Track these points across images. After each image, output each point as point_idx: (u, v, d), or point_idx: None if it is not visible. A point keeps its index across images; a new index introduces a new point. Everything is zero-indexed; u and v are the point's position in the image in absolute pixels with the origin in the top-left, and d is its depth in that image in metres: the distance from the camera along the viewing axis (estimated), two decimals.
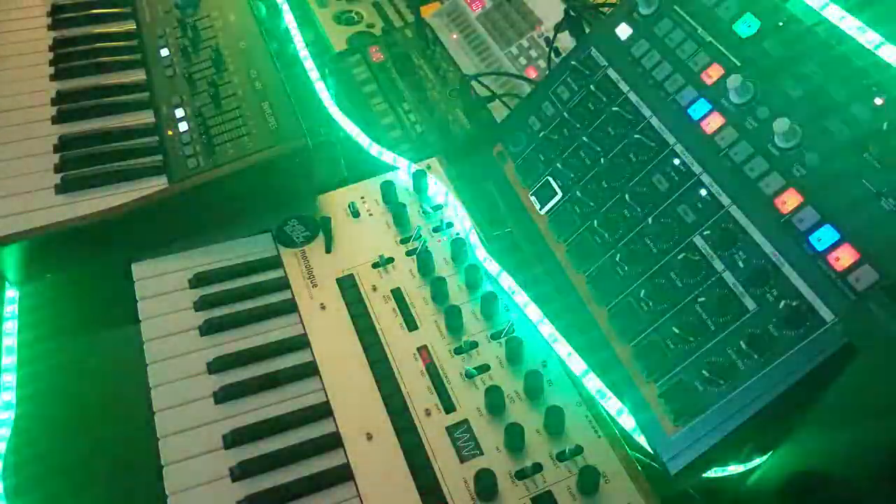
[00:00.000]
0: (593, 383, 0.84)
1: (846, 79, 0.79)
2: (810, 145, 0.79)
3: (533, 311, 0.90)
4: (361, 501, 0.78)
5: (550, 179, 1.01)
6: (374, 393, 0.85)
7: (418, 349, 0.88)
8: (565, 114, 1.01)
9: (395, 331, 0.90)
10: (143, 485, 0.83)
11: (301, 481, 0.79)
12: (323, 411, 0.84)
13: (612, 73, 0.99)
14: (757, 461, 0.83)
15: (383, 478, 0.79)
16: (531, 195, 1.03)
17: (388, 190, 1.04)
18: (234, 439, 0.82)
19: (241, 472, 0.80)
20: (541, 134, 1.03)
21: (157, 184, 1.01)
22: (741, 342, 0.77)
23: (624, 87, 0.97)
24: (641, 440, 0.82)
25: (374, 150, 1.12)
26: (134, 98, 1.13)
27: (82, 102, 1.12)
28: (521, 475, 0.78)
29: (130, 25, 1.26)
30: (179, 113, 1.08)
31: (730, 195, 0.83)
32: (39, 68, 1.18)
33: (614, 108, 0.96)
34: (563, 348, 0.87)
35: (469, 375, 0.85)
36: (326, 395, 0.85)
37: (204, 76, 1.11)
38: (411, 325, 0.91)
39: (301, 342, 0.90)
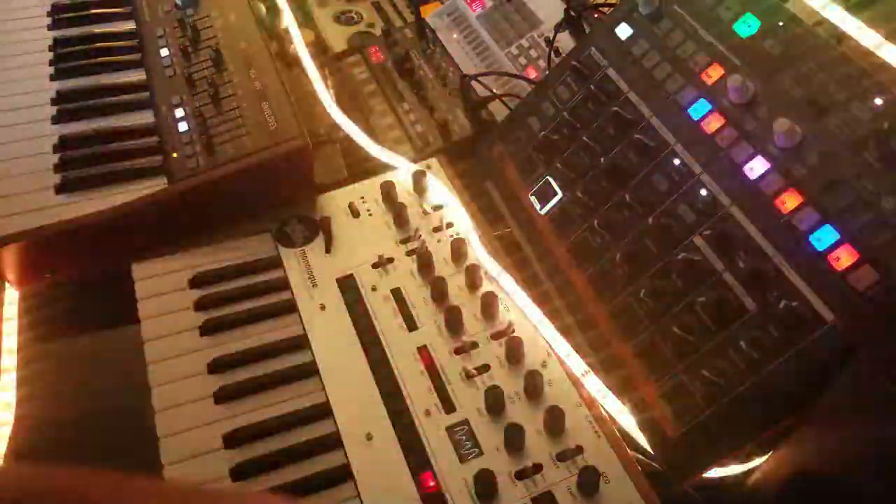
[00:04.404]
0: (593, 383, 0.85)
1: (846, 79, 0.79)
2: (810, 145, 0.79)
3: (533, 311, 0.90)
4: (361, 501, 0.78)
5: (550, 179, 1.01)
6: (374, 393, 0.85)
7: (418, 349, 0.88)
8: (565, 114, 1.01)
9: (395, 331, 0.90)
10: None
11: (301, 481, 0.79)
12: (323, 411, 0.84)
13: (612, 73, 0.99)
14: (757, 461, 0.83)
15: (383, 478, 0.79)
16: (531, 195, 1.03)
17: (388, 190, 1.04)
18: (234, 439, 0.82)
19: (240, 471, 0.80)
20: (541, 134, 1.03)
21: (157, 184, 1.01)
22: (741, 342, 0.77)
23: (624, 87, 0.97)
24: (641, 440, 0.82)
25: (374, 150, 1.12)
26: (134, 98, 1.13)
27: (82, 102, 1.12)
28: (521, 475, 0.78)
29: (130, 25, 1.26)
30: (179, 113, 1.08)
31: (730, 195, 0.83)
32: (39, 68, 1.18)
33: (614, 108, 0.96)
34: (563, 348, 0.87)
35: (469, 375, 0.85)
36: (326, 395, 0.85)
37: (204, 76, 1.11)
38: (411, 325, 0.91)
39: (301, 342, 0.90)
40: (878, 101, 0.76)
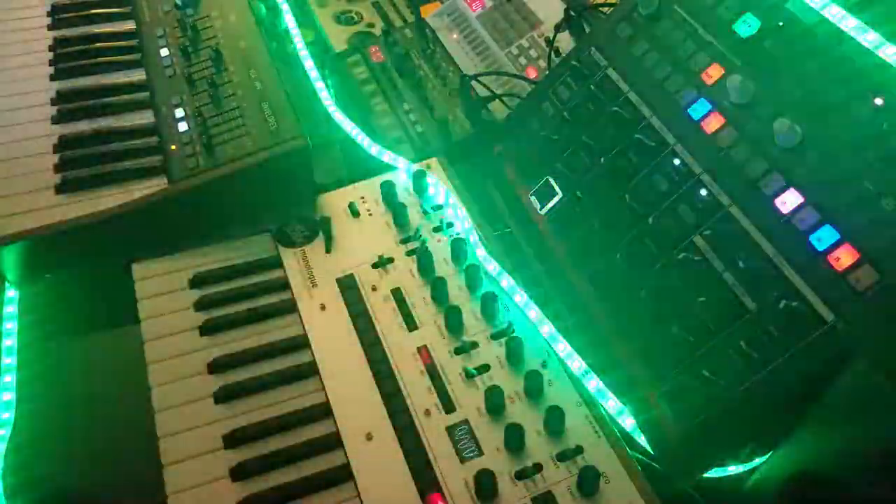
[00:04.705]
0: (593, 383, 0.85)
1: (846, 79, 0.79)
2: (810, 145, 0.79)
3: (533, 311, 0.90)
4: (361, 501, 0.78)
5: (550, 179, 1.01)
6: (374, 393, 0.85)
7: (418, 349, 0.88)
8: (565, 114, 1.01)
9: (395, 331, 0.90)
10: (144, 485, 0.83)
11: (301, 481, 0.79)
12: (323, 411, 0.84)
13: (612, 73, 0.99)
14: (757, 461, 0.83)
15: (383, 478, 0.79)
16: (531, 195, 1.03)
17: (388, 190, 1.04)
18: (234, 439, 0.82)
19: (241, 471, 0.80)
20: (541, 134, 1.03)
21: (157, 184, 1.01)
22: (741, 342, 0.77)
23: (624, 87, 0.97)
24: (641, 440, 0.82)
25: (374, 150, 1.12)
26: (134, 98, 1.13)
27: (82, 102, 1.12)
28: (521, 475, 0.78)
29: (130, 25, 1.26)
30: (179, 113, 1.08)
31: (730, 195, 0.83)
32: (39, 68, 1.18)
33: (614, 108, 0.96)
34: (563, 348, 0.87)
35: (469, 375, 0.85)
36: (326, 395, 0.85)
37: (204, 76, 1.11)
38: (411, 325, 0.91)
39: (301, 342, 0.90)
40: (878, 101, 0.76)
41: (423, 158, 1.09)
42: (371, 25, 1.49)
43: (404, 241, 1.00)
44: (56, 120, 1.10)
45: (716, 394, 0.77)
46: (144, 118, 1.11)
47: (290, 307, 0.94)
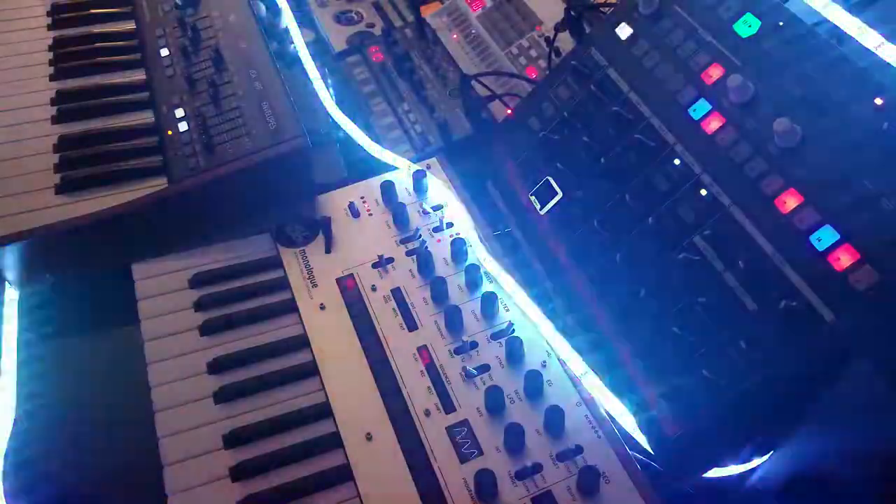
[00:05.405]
0: (593, 383, 0.85)
1: (846, 79, 0.79)
2: (810, 145, 0.79)
3: (533, 311, 0.90)
4: (361, 501, 0.78)
5: (550, 179, 1.01)
6: (374, 393, 0.85)
7: (418, 349, 0.88)
8: (565, 114, 1.01)
9: (395, 331, 0.90)
10: (144, 485, 0.83)
11: (301, 481, 0.79)
12: (323, 411, 0.84)
13: (612, 73, 0.99)
14: (757, 461, 0.83)
15: (383, 478, 0.79)
16: (531, 195, 1.03)
17: (388, 190, 1.04)
18: (234, 439, 0.82)
19: (241, 472, 0.80)
20: (541, 134, 1.03)
21: (157, 184, 1.01)
22: (741, 342, 0.77)
23: (624, 87, 0.97)
24: (641, 440, 0.82)
25: (374, 150, 1.12)
26: (134, 98, 1.13)
27: (82, 102, 1.12)
28: (521, 475, 0.78)
29: (130, 25, 1.26)
30: (179, 113, 1.08)
31: (730, 195, 0.83)
32: (39, 68, 1.18)
33: (614, 108, 0.96)
34: (563, 348, 0.87)
35: (469, 375, 0.85)
36: (326, 395, 0.85)
37: (204, 76, 1.11)
38: (411, 325, 0.91)
39: (301, 342, 0.90)
40: (878, 101, 0.76)
41: (423, 158, 1.10)
42: (371, 25, 1.49)
43: (404, 241, 1.00)
44: (56, 120, 1.10)
45: (716, 394, 0.77)
46: (144, 118, 1.10)
47: (290, 307, 0.94)
